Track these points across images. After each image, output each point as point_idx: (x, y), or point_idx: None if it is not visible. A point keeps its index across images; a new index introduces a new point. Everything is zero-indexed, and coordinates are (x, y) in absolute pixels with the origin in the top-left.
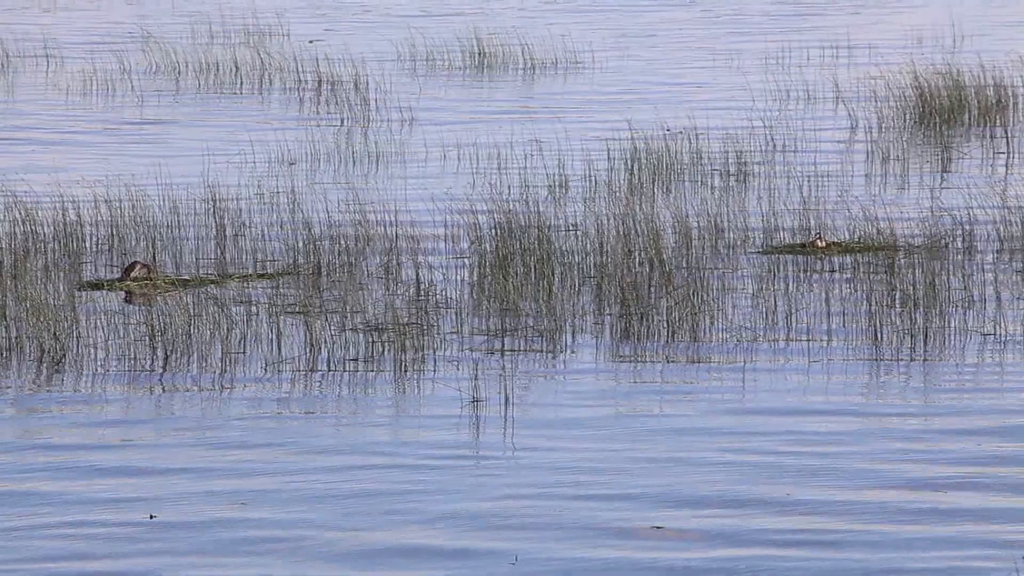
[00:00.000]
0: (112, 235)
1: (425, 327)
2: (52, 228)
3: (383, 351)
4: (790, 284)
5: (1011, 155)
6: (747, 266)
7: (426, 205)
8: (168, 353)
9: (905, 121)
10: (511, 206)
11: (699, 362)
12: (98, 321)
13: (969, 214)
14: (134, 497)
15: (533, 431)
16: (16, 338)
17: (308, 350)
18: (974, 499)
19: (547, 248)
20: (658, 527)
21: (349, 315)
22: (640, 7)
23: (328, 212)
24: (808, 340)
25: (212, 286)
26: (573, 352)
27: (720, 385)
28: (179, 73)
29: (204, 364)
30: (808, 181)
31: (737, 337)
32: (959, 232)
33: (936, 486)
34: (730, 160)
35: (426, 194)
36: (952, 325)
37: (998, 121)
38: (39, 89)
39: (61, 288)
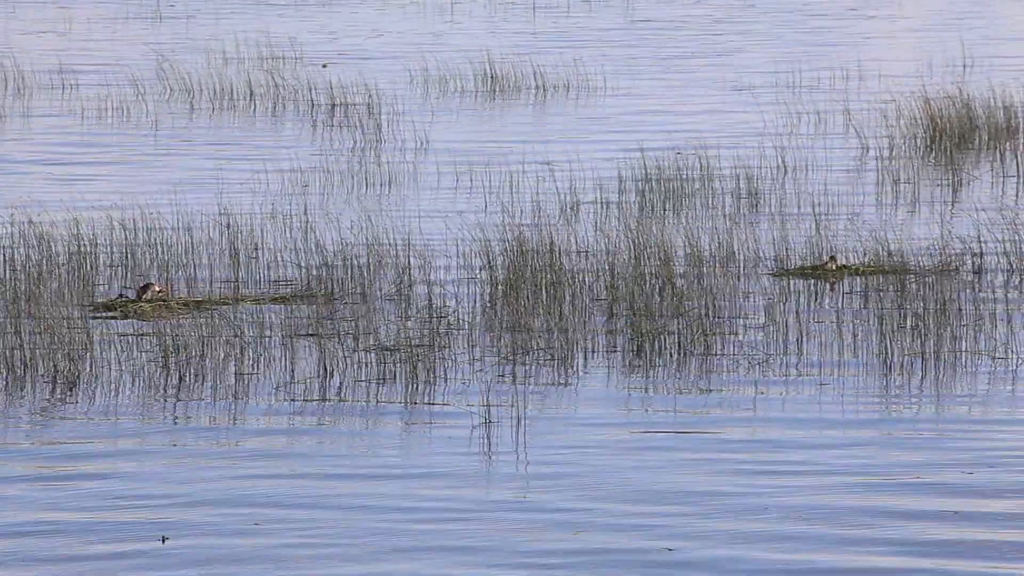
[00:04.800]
0: (126, 257)
1: (437, 349)
2: (66, 250)
3: (395, 372)
4: (801, 307)
5: (1021, 178)
6: (758, 289)
7: (438, 227)
8: (182, 374)
9: (915, 145)
10: (523, 229)
11: (710, 384)
12: (112, 342)
13: (979, 237)
14: (147, 520)
15: (545, 454)
16: (31, 359)
17: (321, 371)
18: (986, 526)
19: (559, 270)
20: (669, 549)
21: (362, 336)
22: (650, 32)
23: (341, 234)
24: (819, 362)
25: (225, 308)
26: (585, 374)
27: (731, 408)
28: (193, 97)
29: (217, 385)
30: (819, 204)
31: (748, 360)
32: (969, 255)
33: (947, 513)
34: (741, 183)
35: (438, 217)
36: (963, 348)
37: (1008, 145)
38: (54, 112)
39: (75, 310)
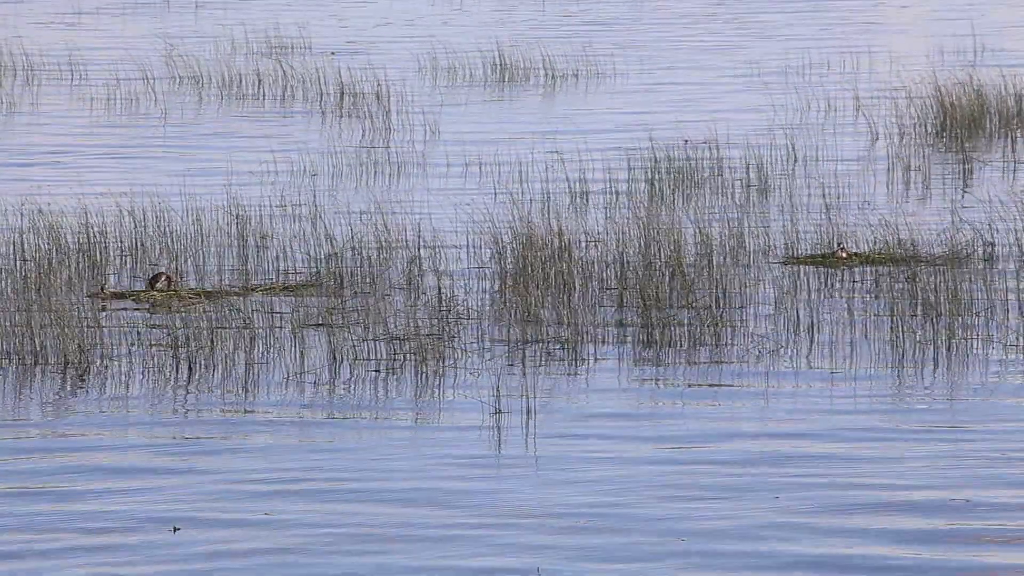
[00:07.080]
0: (136, 247)
1: (446, 338)
2: (76, 240)
3: (405, 362)
4: (812, 295)
5: None
6: (769, 277)
7: (448, 217)
8: (191, 365)
9: (926, 131)
10: (532, 217)
11: (720, 374)
12: (122, 333)
13: (990, 224)
14: (158, 510)
15: (555, 443)
16: (40, 349)
17: (330, 361)
18: (998, 516)
19: (568, 259)
20: (683, 540)
21: (371, 326)
22: (660, 19)
23: (350, 224)
24: (830, 350)
25: (235, 298)
26: (594, 363)
27: (742, 397)
28: (202, 86)
29: (227, 376)
30: (829, 192)
31: (759, 348)
32: (980, 242)
33: (960, 503)
34: (751, 171)
35: (448, 206)
36: (975, 336)
37: (1019, 131)
38: (63, 102)
39: (85, 300)
